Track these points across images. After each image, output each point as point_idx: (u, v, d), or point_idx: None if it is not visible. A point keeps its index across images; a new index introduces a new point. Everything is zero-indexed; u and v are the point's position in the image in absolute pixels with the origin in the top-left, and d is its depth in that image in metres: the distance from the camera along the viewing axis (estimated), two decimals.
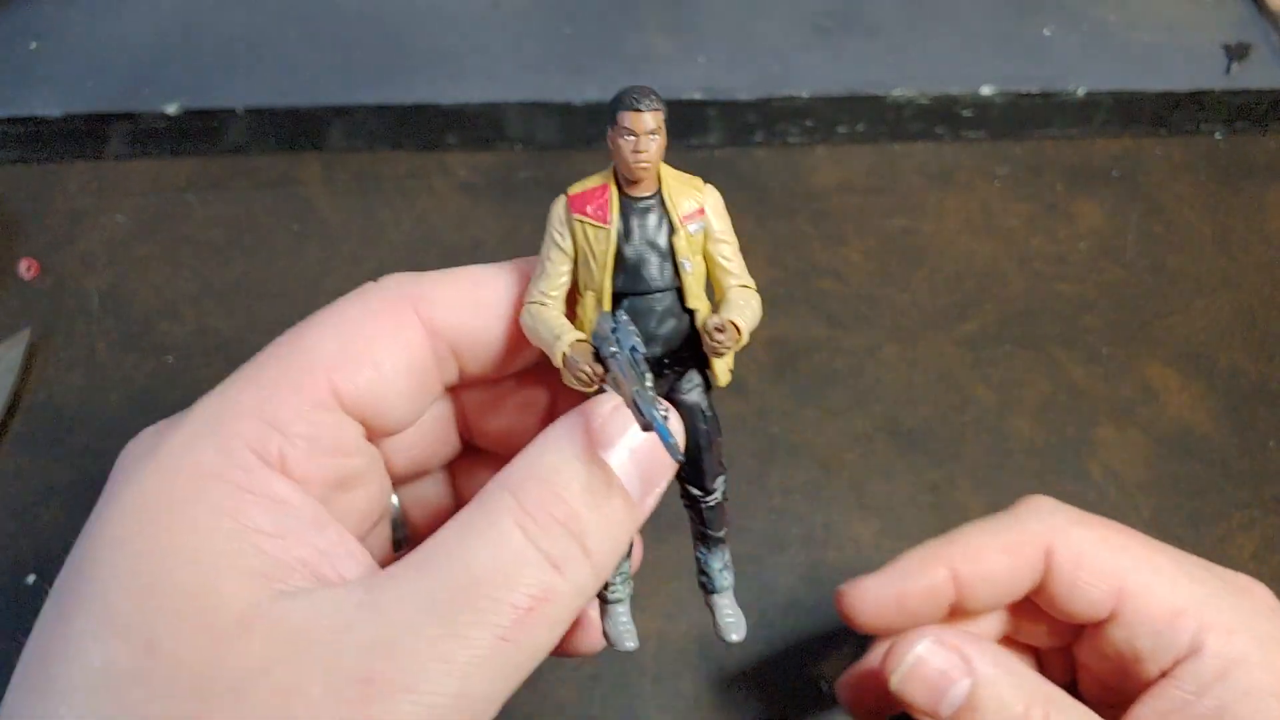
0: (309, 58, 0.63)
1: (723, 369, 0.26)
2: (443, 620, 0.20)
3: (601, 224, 0.25)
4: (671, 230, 0.25)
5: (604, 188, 0.25)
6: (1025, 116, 0.62)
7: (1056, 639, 0.35)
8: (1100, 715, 0.30)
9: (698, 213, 0.25)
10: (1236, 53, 0.63)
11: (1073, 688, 0.34)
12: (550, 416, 0.28)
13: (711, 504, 0.28)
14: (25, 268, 0.57)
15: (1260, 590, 0.32)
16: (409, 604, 0.21)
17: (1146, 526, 0.49)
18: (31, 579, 0.47)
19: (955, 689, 0.30)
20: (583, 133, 0.61)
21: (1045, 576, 0.33)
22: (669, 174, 0.26)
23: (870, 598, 0.34)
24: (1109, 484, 0.50)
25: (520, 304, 0.26)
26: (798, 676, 0.45)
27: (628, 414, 0.22)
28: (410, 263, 0.58)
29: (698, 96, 0.60)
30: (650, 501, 0.24)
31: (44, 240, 0.59)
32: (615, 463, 0.23)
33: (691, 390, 0.26)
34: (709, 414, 0.27)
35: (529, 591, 0.21)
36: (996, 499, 0.50)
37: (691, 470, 0.27)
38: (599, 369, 0.24)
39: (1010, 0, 0.66)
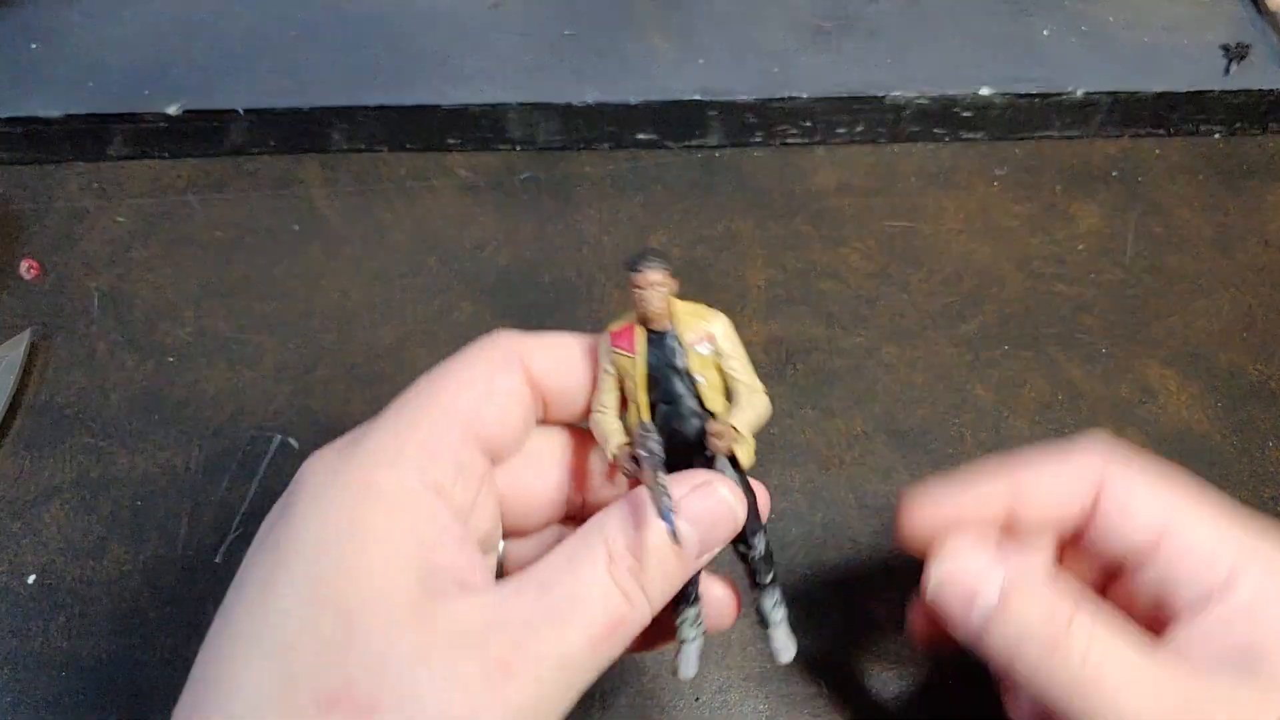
0: (310, 59, 0.63)
1: (744, 454, 0.32)
2: (555, 627, 0.29)
3: (630, 354, 0.32)
4: (684, 353, 0.32)
5: (631, 327, 0.32)
6: (1024, 117, 0.62)
7: (1096, 581, 0.36)
8: None
9: (706, 338, 0.32)
10: (1236, 53, 0.63)
11: None
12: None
13: (755, 556, 0.34)
14: (26, 268, 0.57)
15: None
16: (531, 611, 0.29)
17: None
18: (32, 579, 0.47)
19: (987, 592, 0.32)
20: (583, 134, 0.62)
21: (1092, 512, 0.34)
22: (680, 309, 0.32)
23: (930, 502, 0.35)
24: None
25: (592, 398, 0.34)
26: (797, 676, 0.45)
27: (694, 495, 0.31)
28: (411, 263, 0.59)
29: (698, 98, 0.60)
30: (706, 558, 0.32)
31: (44, 241, 0.59)
32: (681, 529, 0.29)
33: (723, 470, 0.32)
34: (739, 485, 0.33)
35: (612, 616, 0.29)
36: None
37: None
38: (634, 467, 0.31)
39: (1009, 1, 0.67)
